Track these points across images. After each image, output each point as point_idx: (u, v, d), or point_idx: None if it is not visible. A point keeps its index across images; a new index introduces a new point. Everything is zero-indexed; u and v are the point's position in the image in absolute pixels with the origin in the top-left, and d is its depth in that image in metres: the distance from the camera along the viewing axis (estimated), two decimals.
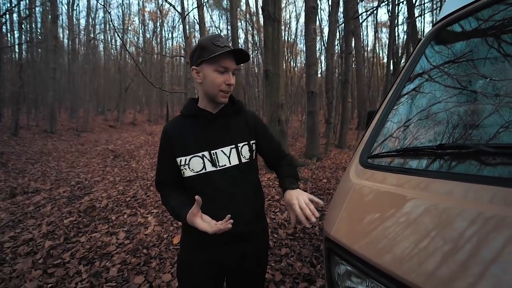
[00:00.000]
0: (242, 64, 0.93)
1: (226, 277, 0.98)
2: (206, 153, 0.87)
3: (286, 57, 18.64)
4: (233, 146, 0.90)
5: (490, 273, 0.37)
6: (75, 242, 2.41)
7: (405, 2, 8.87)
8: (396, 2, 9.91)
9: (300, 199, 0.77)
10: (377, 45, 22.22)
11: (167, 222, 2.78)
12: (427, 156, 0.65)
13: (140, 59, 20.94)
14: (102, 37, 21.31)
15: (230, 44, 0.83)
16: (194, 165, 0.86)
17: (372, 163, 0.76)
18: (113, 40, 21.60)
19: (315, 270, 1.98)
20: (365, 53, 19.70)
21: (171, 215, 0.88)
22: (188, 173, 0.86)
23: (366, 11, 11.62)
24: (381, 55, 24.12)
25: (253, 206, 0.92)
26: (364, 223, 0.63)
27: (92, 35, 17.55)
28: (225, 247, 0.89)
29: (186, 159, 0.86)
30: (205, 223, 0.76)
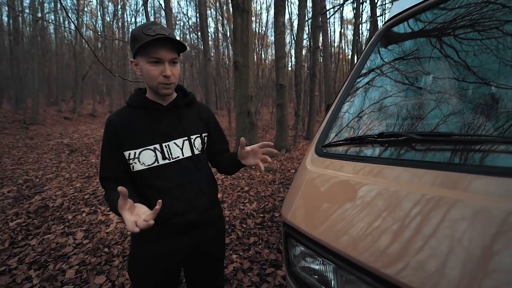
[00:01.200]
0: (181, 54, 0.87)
1: (183, 268, 0.97)
2: (157, 146, 0.84)
3: (257, 49, 18.56)
4: (186, 138, 0.89)
5: (430, 246, 0.43)
6: (23, 246, 2.18)
7: (368, 1, 9.36)
8: (360, 1, 10.41)
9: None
10: (343, 41, 23.24)
11: None
12: (372, 144, 0.71)
13: (99, 44, 19.08)
14: (53, 17, 18.90)
15: (168, 32, 0.77)
16: (145, 158, 0.82)
17: (326, 152, 0.81)
18: (66, 22, 19.31)
19: (281, 256, 2.07)
20: (332, 48, 20.49)
21: (111, 210, 0.82)
22: (138, 166, 0.82)
23: (333, 7, 12.01)
24: (346, 51, 25.31)
25: (208, 195, 0.92)
26: (317, 208, 0.68)
27: (39, 15, 15.47)
28: (180, 237, 0.87)
29: (135, 152, 0.82)
30: (132, 217, 0.65)
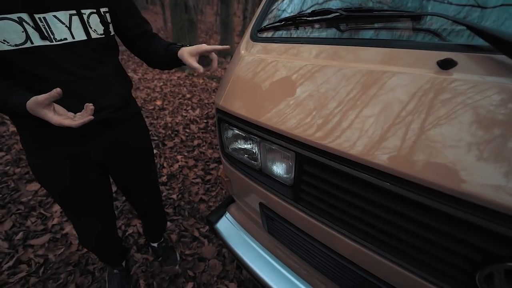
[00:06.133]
0: None
1: (111, 175, 0.93)
2: (25, 16, 0.57)
3: None
4: (74, 12, 0.64)
5: (364, 114, 0.47)
6: None
7: None
8: None
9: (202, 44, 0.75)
10: None
11: None
12: (305, 24, 0.70)
13: None
14: None
15: None
16: (7, 34, 0.56)
17: (260, 36, 0.77)
18: None
19: None
20: None
21: None
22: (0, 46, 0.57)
23: None
24: None
25: (118, 91, 0.78)
26: (247, 90, 0.69)
27: None
28: (88, 140, 0.76)
29: None
30: (62, 116, 0.57)
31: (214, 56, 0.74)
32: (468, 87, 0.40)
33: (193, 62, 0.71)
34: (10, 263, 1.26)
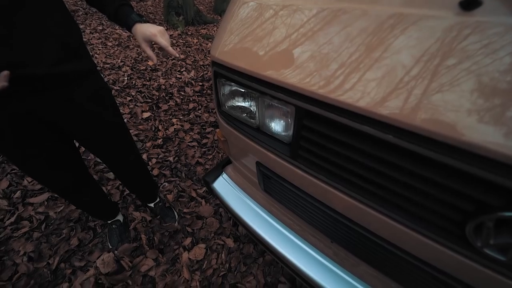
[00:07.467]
0: None
1: (76, 139, 0.86)
2: None
3: None
4: None
5: (376, 64, 0.44)
6: None
7: None
8: None
9: (162, 32, 0.71)
10: None
11: None
12: None
13: None
14: None
15: None
16: None
17: None
18: None
19: None
20: None
21: None
22: None
23: None
24: None
25: (60, 38, 0.64)
26: (246, 41, 0.64)
27: None
28: (30, 97, 0.65)
29: None
30: None
31: (167, 49, 0.70)
32: (493, 31, 0.36)
33: (147, 49, 0.69)
34: (12, 219, 1.29)
